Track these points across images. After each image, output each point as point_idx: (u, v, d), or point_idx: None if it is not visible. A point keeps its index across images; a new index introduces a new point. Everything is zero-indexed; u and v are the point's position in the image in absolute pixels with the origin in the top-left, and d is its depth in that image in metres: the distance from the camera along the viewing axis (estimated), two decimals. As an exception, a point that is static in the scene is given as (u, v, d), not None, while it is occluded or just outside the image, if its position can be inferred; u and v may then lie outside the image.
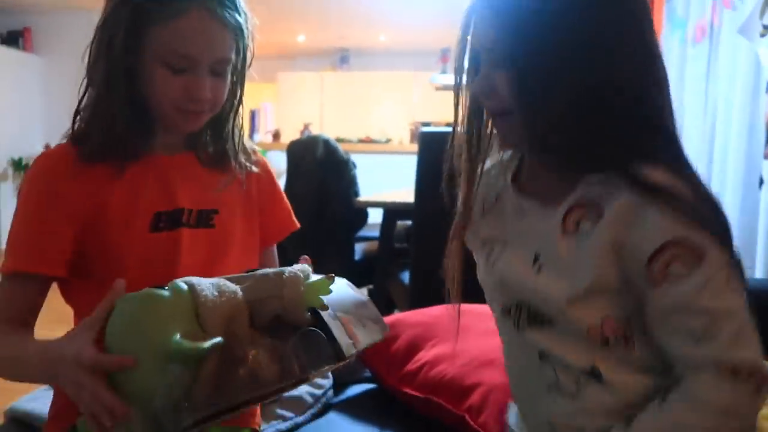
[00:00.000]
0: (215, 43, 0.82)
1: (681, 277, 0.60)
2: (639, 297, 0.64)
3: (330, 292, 0.73)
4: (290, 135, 4.20)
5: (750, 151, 2.11)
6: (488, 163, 0.80)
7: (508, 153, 0.79)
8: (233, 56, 0.85)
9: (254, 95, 6.97)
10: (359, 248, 2.71)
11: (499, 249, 0.74)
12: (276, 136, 5.97)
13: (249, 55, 0.90)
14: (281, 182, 2.79)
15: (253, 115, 6.84)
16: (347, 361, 0.72)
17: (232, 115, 0.93)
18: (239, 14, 0.84)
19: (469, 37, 0.68)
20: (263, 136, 6.40)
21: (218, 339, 0.63)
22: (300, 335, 0.69)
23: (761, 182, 1.94)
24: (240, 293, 0.70)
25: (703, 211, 0.62)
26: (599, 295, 0.65)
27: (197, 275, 0.72)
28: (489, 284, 0.77)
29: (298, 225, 1.04)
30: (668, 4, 3.24)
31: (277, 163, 4.42)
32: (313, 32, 6.27)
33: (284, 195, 1.04)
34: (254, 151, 1.00)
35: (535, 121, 0.63)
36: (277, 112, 7.12)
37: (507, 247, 0.73)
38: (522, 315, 0.70)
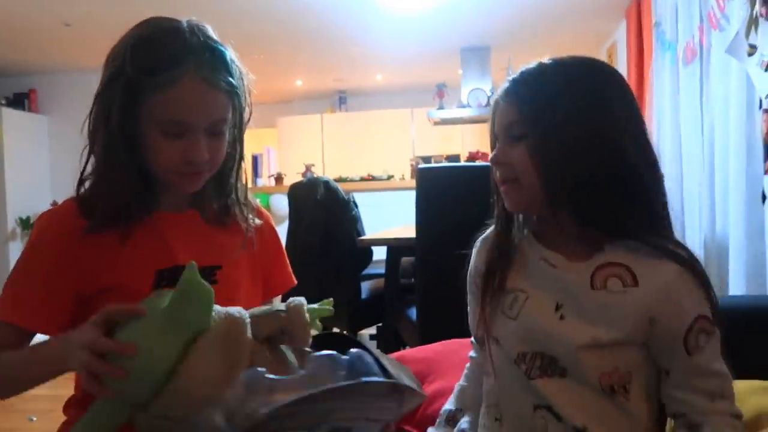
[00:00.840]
0: (209, 108, 0.83)
1: (704, 348, 0.73)
2: (656, 357, 0.75)
3: (331, 312, 0.77)
4: (293, 178, 4.23)
5: (750, 168, 2.12)
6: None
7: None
8: (229, 115, 0.87)
9: (256, 141, 7.08)
10: (365, 287, 2.70)
11: (524, 298, 0.78)
12: (278, 179, 6.01)
13: (247, 110, 0.92)
14: (284, 226, 2.81)
15: (255, 160, 6.91)
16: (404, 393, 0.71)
17: (234, 171, 0.94)
18: (232, 76, 0.85)
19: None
20: (266, 180, 6.45)
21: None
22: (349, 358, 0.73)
23: (764, 198, 1.93)
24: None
25: (711, 288, 0.74)
26: (619, 348, 0.73)
27: None
28: (509, 332, 0.79)
29: (296, 282, 1.06)
30: (657, 28, 3.30)
31: (281, 207, 4.46)
32: (310, 76, 6.38)
33: (284, 251, 1.07)
34: (258, 208, 1.01)
35: (551, 191, 0.75)
36: (279, 155, 7.19)
37: (531, 297, 0.78)
38: (536, 364, 0.75)
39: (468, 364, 0.94)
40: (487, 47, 5.14)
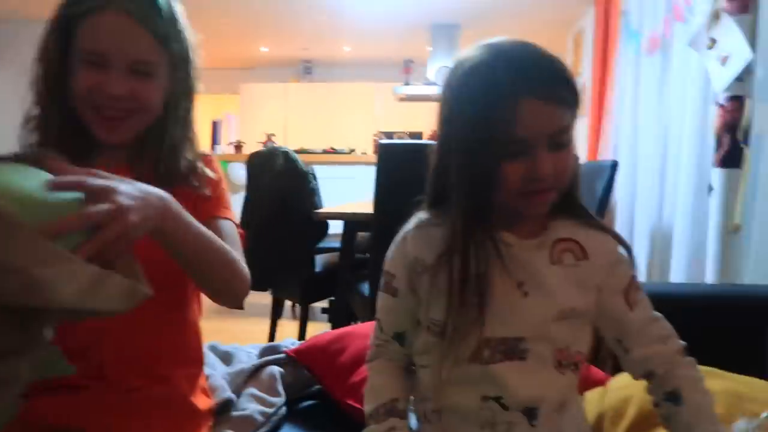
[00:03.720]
0: (130, 43, 0.82)
1: (640, 300, 0.80)
2: (606, 330, 0.81)
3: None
4: (253, 147, 4.15)
5: (700, 159, 2.18)
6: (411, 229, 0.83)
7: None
8: (158, 60, 0.84)
9: (216, 106, 6.91)
10: (320, 260, 2.69)
11: (486, 281, 0.76)
12: (238, 147, 5.90)
13: (193, 70, 0.89)
14: (241, 195, 2.76)
15: (215, 126, 6.76)
16: None
17: (175, 128, 0.90)
18: (162, 20, 0.83)
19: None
20: (225, 147, 6.33)
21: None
22: None
23: (710, 189, 2.00)
24: None
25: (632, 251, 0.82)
26: (577, 322, 0.78)
27: None
28: (471, 316, 0.75)
29: (230, 218, 0.96)
30: (624, 17, 3.34)
31: (239, 176, 4.38)
32: (276, 43, 6.24)
33: (224, 200, 0.98)
34: (209, 160, 0.97)
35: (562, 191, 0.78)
36: (240, 123, 7.05)
37: (491, 279, 0.76)
38: (500, 348, 0.75)
39: (376, 361, 0.87)
40: (457, 25, 5.11)
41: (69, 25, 0.82)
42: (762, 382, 1.02)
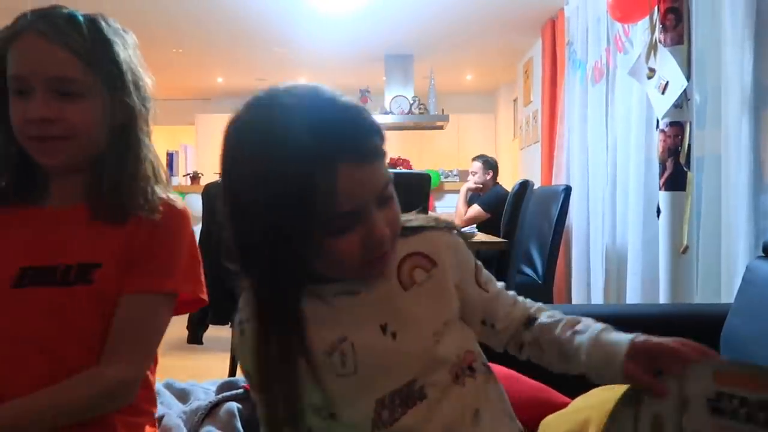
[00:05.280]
0: (45, 60, 0.81)
1: (488, 279, 0.81)
2: (474, 318, 0.79)
3: None
4: (210, 177, 4.10)
5: (648, 182, 2.27)
6: None
7: None
8: (84, 78, 0.82)
9: (172, 137, 6.80)
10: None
11: (350, 345, 0.68)
12: (195, 178, 5.82)
13: (141, 93, 0.88)
14: (198, 228, 2.71)
15: (171, 158, 6.65)
16: None
17: (125, 159, 0.87)
18: (81, 37, 0.82)
19: None
20: (181, 179, 6.23)
21: None
22: None
23: (659, 212, 2.07)
24: None
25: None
26: (453, 326, 0.74)
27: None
28: (354, 389, 0.68)
29: (172, 289, 0.88)
30: (569, 47, 3.48)
31: (196, 207, 4.30)
32: (232, 73, 6.23)
33: (177, 252, 0.90)
34: (168, 202, 0.90)
35: None
36: (196, 154, 6.96)
37: (355, 339, 0.68)
38: (396, 402, 0.68)
39: None
40: (410, 55, 5.22)
41: (2, 58, 0.82)
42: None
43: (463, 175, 5.21)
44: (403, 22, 4.34)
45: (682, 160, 1.96)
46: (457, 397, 0.71)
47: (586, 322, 0.77)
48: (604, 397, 1.05)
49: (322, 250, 0.62)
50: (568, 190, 2.65)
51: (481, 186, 3.90)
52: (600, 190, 2.82)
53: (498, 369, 1.16)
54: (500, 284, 0.83)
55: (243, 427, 1.16)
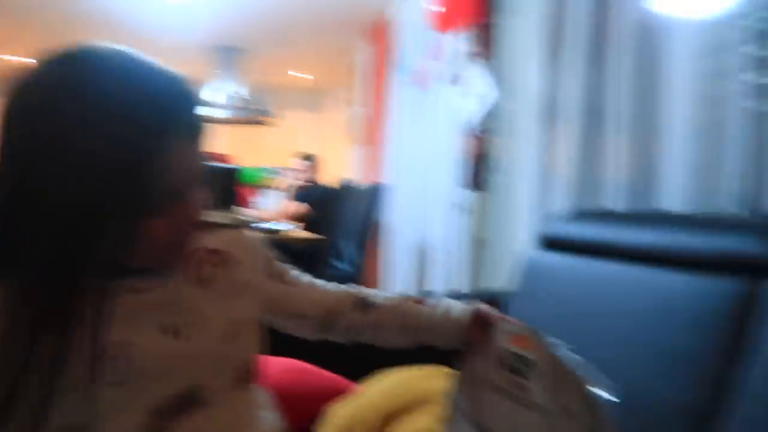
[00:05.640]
0: None
1: (285, 271, 0.81)
2: (282, 316, 0.80)
3: None
4: None
5: (455, 182, 2.44)
6: None
7: None
8: None
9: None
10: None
11: (129, 351, 0.60)
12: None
13: None
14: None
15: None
16: None
17: None
18: None
19: None
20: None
21: None
22: None
23: (461, 209, 2.25)
24: None
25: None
26: (245, 328, 0.71)
27: None
28: (124, 401, 0.61)
29: None
30: (393, 52, 3.63)
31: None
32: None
33: None
34: None
35: None
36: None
37: (135, 342, 0.61)
38: (173, 410, 0.62)
39: None
40: (239, 49, 5.08)
41: None
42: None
43: (288, 172, 5.19)
44: (231, 14, 4.21)
45: (486, 164, 2.15)
46: (233, 405, 0.67)
47: (431, 300, 0.84)
48: (386, 382, 1.10)
49: (129, 231, 0.54)
50: (377, 188, 2.77)
51: (304, 183, 3.91)
52: (413, 189, 2.98)
53: (291, 363, 1.17)
54: (306, 277, 0.83)
55: None
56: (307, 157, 3.92)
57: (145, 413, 0.61)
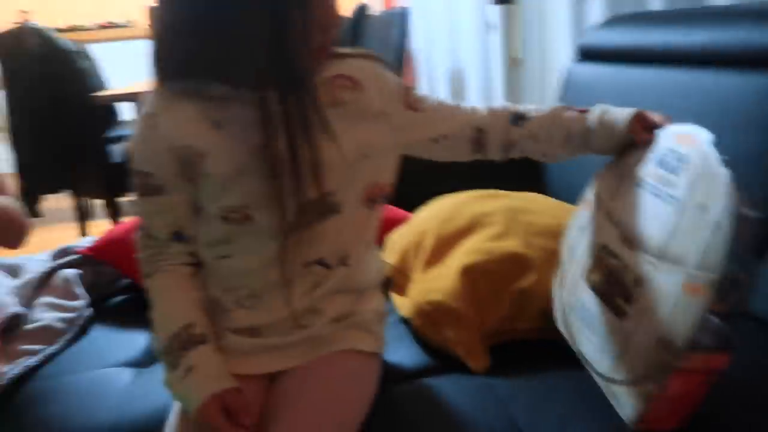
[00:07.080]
0: None
1: (421, 98, 0.82)
2: (412, 141, 0.82)
3: None
4: (4, 28, 3.48)
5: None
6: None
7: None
8: None
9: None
10: (120, 149, 2.44)
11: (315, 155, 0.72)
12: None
13: None
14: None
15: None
16: None
17: None
18: None
19: None
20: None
21: None
22: None
23: (491, 26, 2.11)
24: None
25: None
26: (377, 152, 0.77)
27: None
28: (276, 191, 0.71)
29: None
30: None
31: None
32: None
33: None
34: None
35: None
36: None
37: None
38: (315, 209, 0.73)
39: (156, 277, 0.76)
40: None
41: None
42: (538, 195, 1.16)
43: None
44: None
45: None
46: (363, 220, 0.78)
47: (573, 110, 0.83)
48: (439, 207, 1.12)
49: (307, 19, 0.66)
50: (404, 13, 2.57)
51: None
52: (437, 10, 2.80)
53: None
54: (436, 98, 0.83)
55: (88, 291, 1.11)
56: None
57: (294, 207, 0.70)
